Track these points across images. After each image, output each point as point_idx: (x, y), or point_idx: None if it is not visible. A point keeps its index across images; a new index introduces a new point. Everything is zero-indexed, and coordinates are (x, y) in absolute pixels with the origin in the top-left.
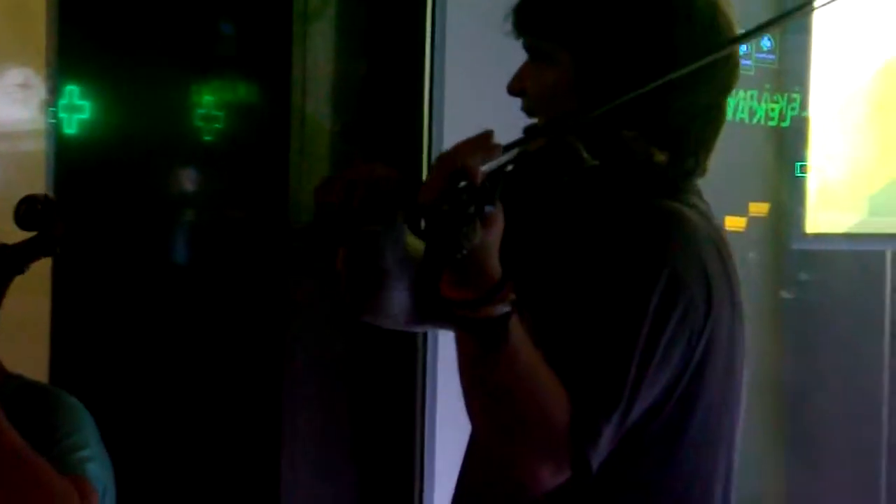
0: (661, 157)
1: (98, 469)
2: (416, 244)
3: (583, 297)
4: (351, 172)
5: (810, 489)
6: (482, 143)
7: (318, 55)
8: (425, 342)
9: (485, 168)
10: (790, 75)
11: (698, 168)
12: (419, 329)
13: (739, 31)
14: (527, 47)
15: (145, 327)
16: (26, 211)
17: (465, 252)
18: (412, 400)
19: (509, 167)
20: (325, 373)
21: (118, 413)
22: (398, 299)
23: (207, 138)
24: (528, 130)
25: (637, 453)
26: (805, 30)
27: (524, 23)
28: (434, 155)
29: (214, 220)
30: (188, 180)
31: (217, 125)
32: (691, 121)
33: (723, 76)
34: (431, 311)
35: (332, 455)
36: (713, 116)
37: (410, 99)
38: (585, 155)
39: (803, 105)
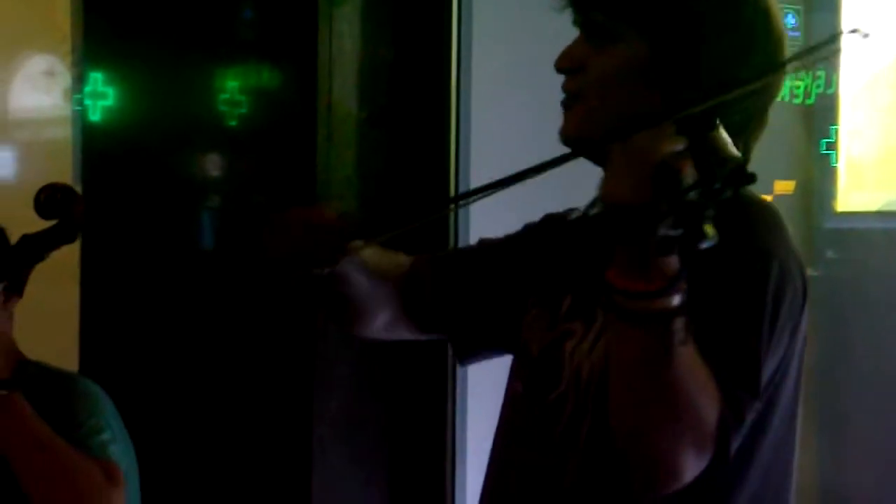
0: (737, 152)
1: (120, 451)
2: (376, 261)
3: (708, 293)
4: (285, 221)
5: (841, 469)
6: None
7: (344, 40)
8: None
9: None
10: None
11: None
12: (414, 338)
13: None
14: (587, 25)
15: (174, 315)
16: (46, 199)
17: (709, 238)
18: (444, 389)
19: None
20: (357, 358)
21: (148, 400)
22: (385, 318)
23: (232, 123)
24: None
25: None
26: (831, 6)
27: (605, 4)
28: (462, 142)
29: (241, 206)
30: (213, 166)
31: (241, 110)
32: (745, 123)
33: (776, 83)
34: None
35: (364, 442)
36: (764, 119)
37: (437, 84)
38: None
39: (828, 82)
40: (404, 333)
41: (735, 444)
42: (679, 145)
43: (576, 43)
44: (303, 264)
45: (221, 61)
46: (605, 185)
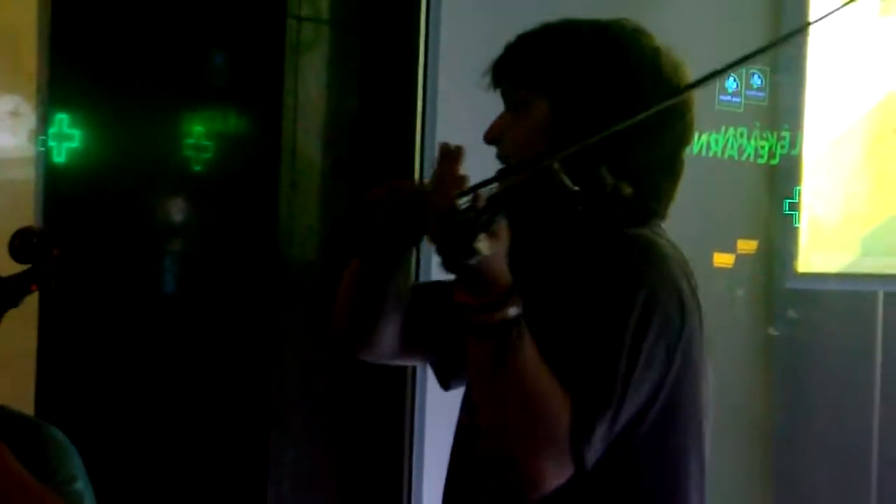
0: (628, 191)
1: (90, 502)
2: (409, 281)
3: (573, 312)
4: (395, 189)
5: None
6: (450, 162)
7: (309, 88)
8: (413, 377)
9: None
10: (780, 113)
11: (660, 211)
12: (401, 362)
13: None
14: (506, 97)
15: (133, 359)
16: (21, 243)
17: (478, 258)
18: (400, 433)
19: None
20: (314, 404)
21: (104, 447)
22: (390, 332)
23: (197, 168)
24: (502, 171)
25: (626, 459)
26: (796, 68)
27: (505, 73)
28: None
29: (204, 251)
30: (177, 210)
31: (207, 155)
32: (652, 167)
33: (678, 129)
34: (418, 340)
35: (321, 494)
36: (672, 166)
37: (402, 134)
38: (568, 182)
39: (793, 143)
40: (390, 353)
41: (591, 454)
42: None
43: (500, 116)
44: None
45: (188, 106)
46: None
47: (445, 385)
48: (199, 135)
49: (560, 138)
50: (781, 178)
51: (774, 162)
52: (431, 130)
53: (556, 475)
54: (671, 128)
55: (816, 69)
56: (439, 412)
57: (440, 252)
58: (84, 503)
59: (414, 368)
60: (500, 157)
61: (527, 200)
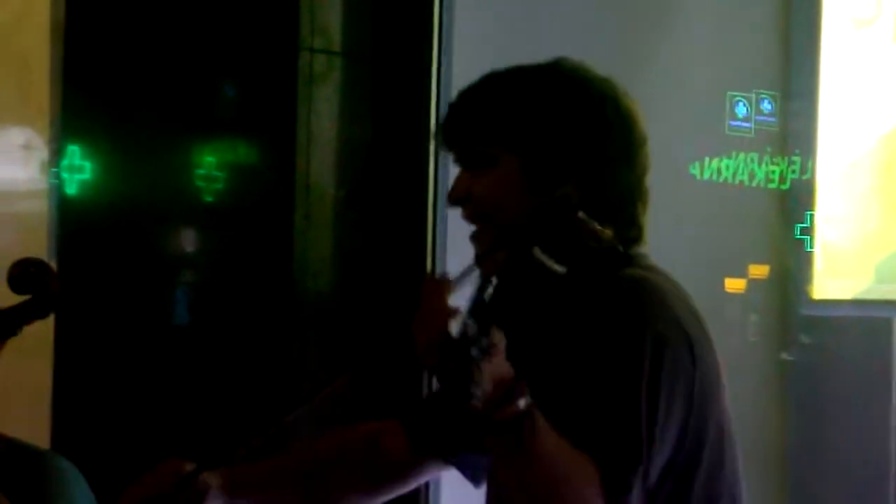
0: (608, 232)
1: None
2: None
3: (582, 373)
4: None
5: None
6: (437, 294)
7: (322, 119)
8: None
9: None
10: (791, 138)
11: (640, 235)
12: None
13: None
14: (465, 156)
15: (148, 390)
16: (19, 274)
17: (479, 396)
18: None
19: (487, 291)
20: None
21: (121, 479)
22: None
23: (208, 199)
24: (480, 257)
25: None
26: (808, 93)
27: (467, 132)
28: (439, 223)
29: (218, 283)
30: (190, 241)
31: (218, 186)
32: (627, 197)
33: (643, 155)
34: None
35: None
36: (643, 192)
37: (416, 165)
38: (550, 263)
39: (804, 168)
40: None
41: None
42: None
43: (458, 177)
44: None
45: (200, 137)
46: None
47: (477, 482)
48: (210, 166)
49: (534, 190)
50: (793, 203)
51: (785, 187)
52: (445, 160)
53: None
54: (639, 154)
55: (829, 95)
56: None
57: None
58: None
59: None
60: (470, 216)
61: (511, 287)
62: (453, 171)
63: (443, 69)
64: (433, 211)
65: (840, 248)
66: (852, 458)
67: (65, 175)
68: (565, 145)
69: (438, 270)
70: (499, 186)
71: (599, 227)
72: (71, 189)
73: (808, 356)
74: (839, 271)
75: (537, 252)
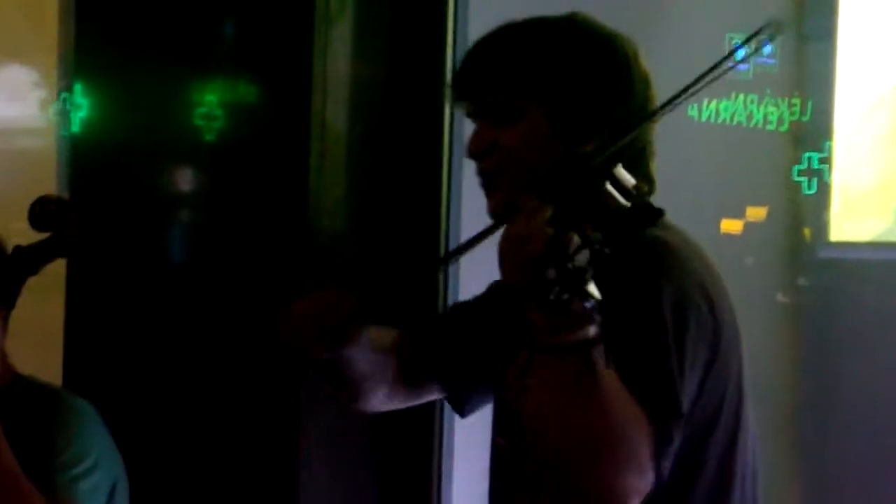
0: (646, 188)
1: (92, 484)
2: (380, 339)
3: (613, 329)
4: (299, 307)
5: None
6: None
7: (337, 58)
8: None
9: None
10: (808, 80)
11: (653, 189)
12: (410, 403)
13: None
14: (487, 109)
15: (159, 328)
16: (40, 212)
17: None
18: (430, 430)
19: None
20: None
21: (132, 414)
22: (383, 392)
23: (211, 138)
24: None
25: (692, 460)
26: (824, 34)
27: (491, 84)
28: (454, 161)
29: (231, 221)
30: (201, 180)
31: (219, 124)
32: (644, 154)
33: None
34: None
35: (350, 457)
36: (653, 149)
37: (431, 105)
38: (621, 198)
39: (803, 110)
40: (400, 401)
41: (667, 465)
42: (546, 218)
43: (480, 128)
44: (313, 350)
45: (209, 75)
46: (505, 276)
47: (462, 412)
48: (211, 104)
49: (564, 142)
50: (791, 146)
51: (784, 129)
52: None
53: (641, 490)
54: (648, 112)
55: (848, 35)
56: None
57: (539, 296)
58: (75, 491)
59: None
60: (489, 169)
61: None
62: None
63: (459, 7)
64: (448, 152)
65: (858, 190)
66: (867, 403)
67: (71, 113)
68: (592, 98)
69: (453, 211)
70: (527, 138)
71: (635, 182)
72: (74, 127)
73: (818, 299)
74: (857, 213)
75: (578, 227)
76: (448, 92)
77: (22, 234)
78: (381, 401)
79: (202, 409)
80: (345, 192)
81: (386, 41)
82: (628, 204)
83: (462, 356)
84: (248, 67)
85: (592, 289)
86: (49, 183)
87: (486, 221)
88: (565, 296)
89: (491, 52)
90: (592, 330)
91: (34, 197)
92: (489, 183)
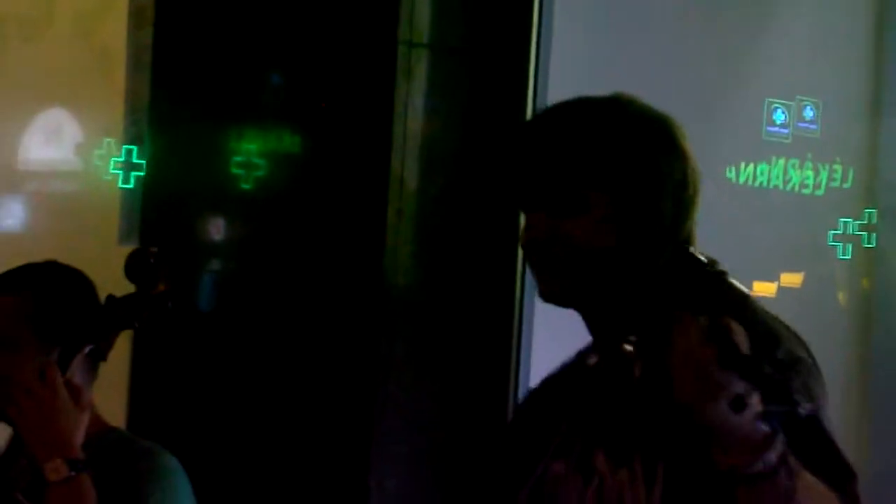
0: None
1: None
2: None
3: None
4: None
5: None
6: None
7: (417, 114)
8: (516, 396)
9: None
10: (847, 146)
11: None
12: None
13: None
14: (552, 199)
15: (224, 381)
16: (137, 263)
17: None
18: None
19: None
20: (416, 434)
21: (196, 467)
22: None
23: (244, 186)
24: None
25: None
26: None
27: (556, 172)
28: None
29: (308, 276)
30: (280, 234)
31: (258, 172)
32: (691, 233)
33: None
34: None
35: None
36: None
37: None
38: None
39: (844, 176)
40: None
41: None
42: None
43: (535, 217)
44: None
45: (286, 129)
46: (677, 391)
47: None
48: (248, 152)
49: (627, 231)
50: (825, 211)
51: (820, 193)
52: None
53: None
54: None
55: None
56: None
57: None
58: None
59: (515, 398)
60: (543, 260)
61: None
62: None
63: (540, 66)
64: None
65: None
66: None
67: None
68: (655, 184)
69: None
70: (590, 230)
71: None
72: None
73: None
74: None
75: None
76: (502, 184)
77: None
78: None
79: (271, 458)
80: (417, 249)
81: (464, 97)
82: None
83: None
84: (335, 124)
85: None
86: (112, 228)
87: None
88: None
89: (552, 140)
90: (779, 447)
91: (95, 244)
92: (548, 269)
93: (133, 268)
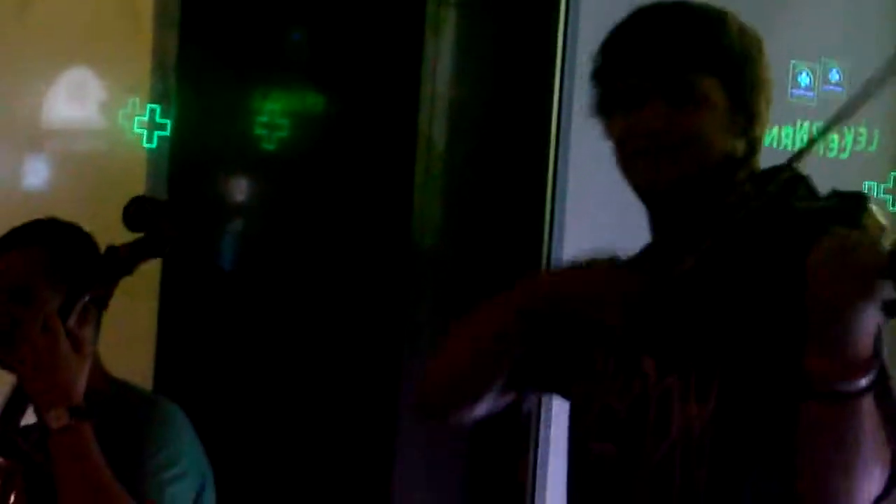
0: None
1: (182, 489)
2: None
3: None
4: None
5: None
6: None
7: (443, 74)
8: None
9: None
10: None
11: None
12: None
13: None
14: (671, 88)
15: (251, 337)
16: (135, 212)
17: None
18: (526, 433)
19: None
20: (435, 457)
21: (222, 419)
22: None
23: (270, 148)
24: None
25: None
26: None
27: (677, 60)
28: (560, 177)
29: (335, 234)
30: (305, 193)
31: (281, 133)
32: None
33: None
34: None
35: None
36: None
37: (537, 124)
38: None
39: (870, 139)
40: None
41: None
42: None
43: (656, 107)
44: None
45: (284, 85)
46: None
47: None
48: (272, 112)
49: (737, 116)
50: (854, 174)
51: (845, 156)
52: (567, 118)
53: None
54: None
55: None
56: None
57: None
58: (167, 495)
59: None
60: (663, 145)
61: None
62: (575, 128)
63: (570, 24)
64: (553, 170)
65: None
66: None
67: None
68: (761, 75)
69: (557, 229)
70: (709, 119)
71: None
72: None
73: None
74: None
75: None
76: (607, 70)
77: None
78: (486, 407)
79: (296, 415)
80: (445, 209)
81: (491, 57)
82: None
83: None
84: (363, 81)
85: None
86: (138, 187)
87: (588, 238)
88: None
89: (661, 24)
90: (866, 380)
91: (120, 204)
92: (668, 157)
93: (131, 216)
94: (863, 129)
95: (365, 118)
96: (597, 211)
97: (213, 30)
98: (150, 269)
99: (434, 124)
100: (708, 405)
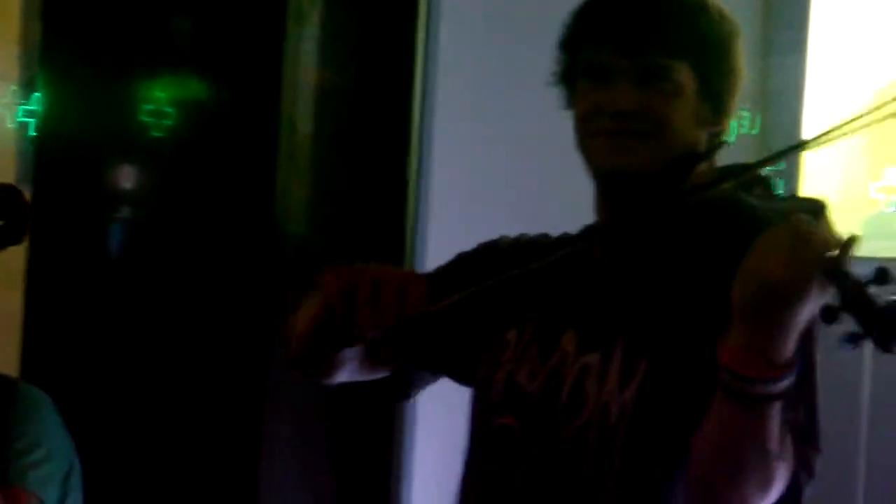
0: None
1: (45, 473)
2: None
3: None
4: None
5: None
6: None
7: (307, 59)
8: None
9: None
10: (772, 95)
11: None
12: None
13: None
14: (643, 69)
15: (117, 326)
16: None
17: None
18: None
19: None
20: (309, 386)
21: (89, 408)
22: (352, 366)
23: (157, 134)
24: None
25: None
26: (792, 48)
27: (653, 42)
28: (423, 163)
29: (198, 221)
30: (160, 178)
31: (167, 121)
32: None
33: None
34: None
35: (312, 464)
36: None
37: (399, 106)
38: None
39: (752, 123)
40: (359, 377)
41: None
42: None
43: (626, 88)
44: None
45: (171, 73)
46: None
47: (409, 394)
48: (159, 101)
49: (705, 105)
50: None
51: (730, 140)
52: (430, 106)
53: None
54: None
55: (820, 48)
56: (430, 396)
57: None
58: (30, 479)
59: None
60: (635, 130)
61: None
62: (439, 115)
63: (432, 10)
64: (417, 157)
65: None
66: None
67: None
68: (734, 65)
69: (421, 216)
70: (676, 101)
71: None
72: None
73: None
74: None
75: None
76: (578, 41)
77: None
78: (346, 376)
79: (161, 403)
80: (310, 193)
81: (354, 43)
82: None
83: (431, 333)
84: (224, 67)
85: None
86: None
87: (451, 224)
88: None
89: (654, 7)
90: (782, 385)
91: None
92: (634, 140)
93: None
94: (745, 113)
95: (237, 105)
96: (461, 196)
97: (78, 19)
98: (14, 257)
99: (297, 110)
100: (630, 388)
